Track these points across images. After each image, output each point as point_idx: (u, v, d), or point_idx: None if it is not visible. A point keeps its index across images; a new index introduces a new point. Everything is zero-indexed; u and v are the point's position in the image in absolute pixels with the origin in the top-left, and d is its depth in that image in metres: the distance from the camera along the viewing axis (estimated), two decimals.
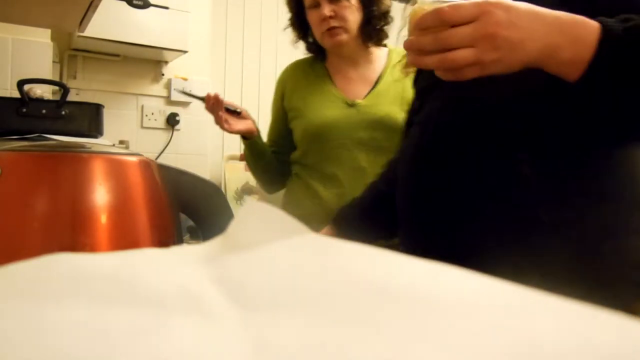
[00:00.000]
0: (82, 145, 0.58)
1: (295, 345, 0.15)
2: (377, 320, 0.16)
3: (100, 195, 0.53)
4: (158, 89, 2.11)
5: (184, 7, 1.90)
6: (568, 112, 0.62)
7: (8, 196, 0.50)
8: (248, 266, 0.22)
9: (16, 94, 1.17)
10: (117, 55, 1.99)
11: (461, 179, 0.67)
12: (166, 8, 1.86)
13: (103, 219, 0.52)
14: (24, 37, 1.64)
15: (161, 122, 2.10)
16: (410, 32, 0.61)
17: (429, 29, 0.57)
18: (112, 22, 1.76)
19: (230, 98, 2.31)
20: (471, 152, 0.67)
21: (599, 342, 0.14)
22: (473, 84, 0.63)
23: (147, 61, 2.06)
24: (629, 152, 0.66)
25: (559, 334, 0.14)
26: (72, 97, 1.32)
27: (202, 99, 1.25)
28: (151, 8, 1.80)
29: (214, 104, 1.24)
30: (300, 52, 1.31)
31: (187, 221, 0.69)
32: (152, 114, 2.09)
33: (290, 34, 1.38)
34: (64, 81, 1.89)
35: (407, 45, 0.60)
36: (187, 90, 1.52)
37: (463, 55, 0.56)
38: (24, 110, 1.17)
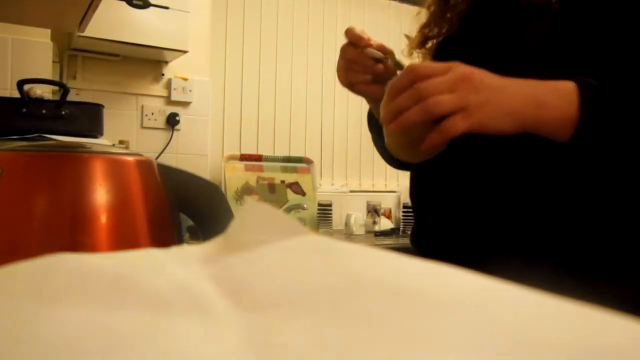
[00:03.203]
0: (82, 145, 0.58)
1: (297, 345, 0.15)
2: (380, 319, 0.16)
3: (100, 195, 0.53)
4: (158, 89, 2.11)
5: (184, 7, 1.90)
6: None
7: (8, 196, 0.50)
8: (248, 266, 0.22)
9: (16, 94, 1.17)
10: (117, 55, 1.99)
11: (484, 185, 0.67)
12: (166, 8, 1.86)
13: (103, 219, 0.52)
14: (24, 37, 1.64)
15: (161, 122, 2.10)
16: (385, 104, 0.57)
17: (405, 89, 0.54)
18: (112, 22, 1.76)
19: (230, 98, 2.33)
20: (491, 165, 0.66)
21: (602, 341, 0.14)
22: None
23: (147, 61, 2.06)
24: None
25: (561, 334, 0.14)
26: (72, 97, 1.32)
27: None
28: (151, 8, 1.80)
29: None
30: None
31: (187, 221, 0.69)
32: (152, 114, 2.09)
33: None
34: (64, 81, 1.89)
35: (385, 115, 0.56)
36: None
37: (446, 98, 0.51)
38: (24, 110, 1.17)
